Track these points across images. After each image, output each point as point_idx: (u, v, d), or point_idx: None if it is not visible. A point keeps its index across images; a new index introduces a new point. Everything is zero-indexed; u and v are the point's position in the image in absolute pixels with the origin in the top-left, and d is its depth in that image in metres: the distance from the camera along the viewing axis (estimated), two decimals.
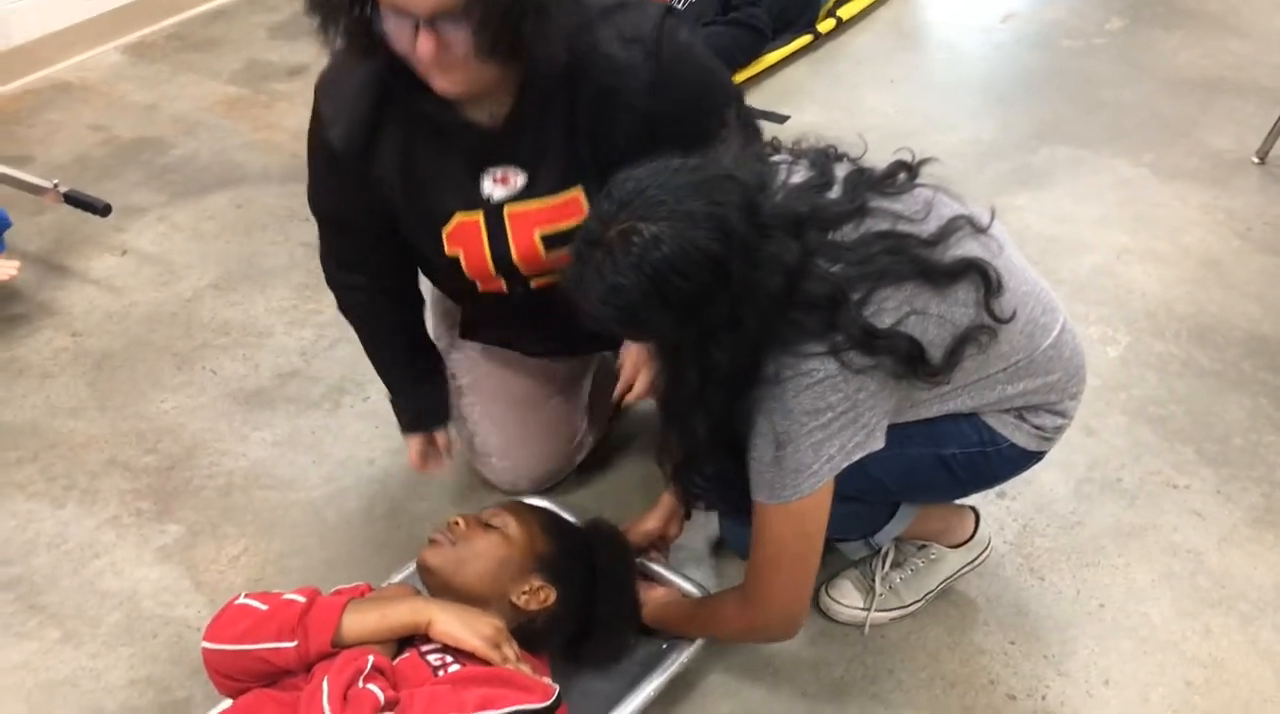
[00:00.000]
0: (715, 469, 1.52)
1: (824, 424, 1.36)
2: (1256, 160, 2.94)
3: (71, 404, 2.29)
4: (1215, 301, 2.46)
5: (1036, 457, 1.57)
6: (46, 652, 1.79)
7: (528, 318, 1.81)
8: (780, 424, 1.37)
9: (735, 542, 1.85)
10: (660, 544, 1.87)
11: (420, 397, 1.91)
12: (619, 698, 1.62)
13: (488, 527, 1.62)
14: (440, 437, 1.92)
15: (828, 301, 1.32)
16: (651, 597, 1.76)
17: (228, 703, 1.49)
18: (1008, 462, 1.54)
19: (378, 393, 2.30)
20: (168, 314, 2.54)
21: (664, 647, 1.71)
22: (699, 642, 1.70)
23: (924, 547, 1.78)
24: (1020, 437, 1.52)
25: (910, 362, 1.35)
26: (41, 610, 1.86)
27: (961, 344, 1.37)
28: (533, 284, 1.72)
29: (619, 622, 1.71)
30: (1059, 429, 1.56)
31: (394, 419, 1.92)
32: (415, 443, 1.90)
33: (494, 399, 1.98)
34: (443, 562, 1.57)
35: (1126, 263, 2.59)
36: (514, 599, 1.57)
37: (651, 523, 1.84)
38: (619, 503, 2.00)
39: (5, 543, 1.98)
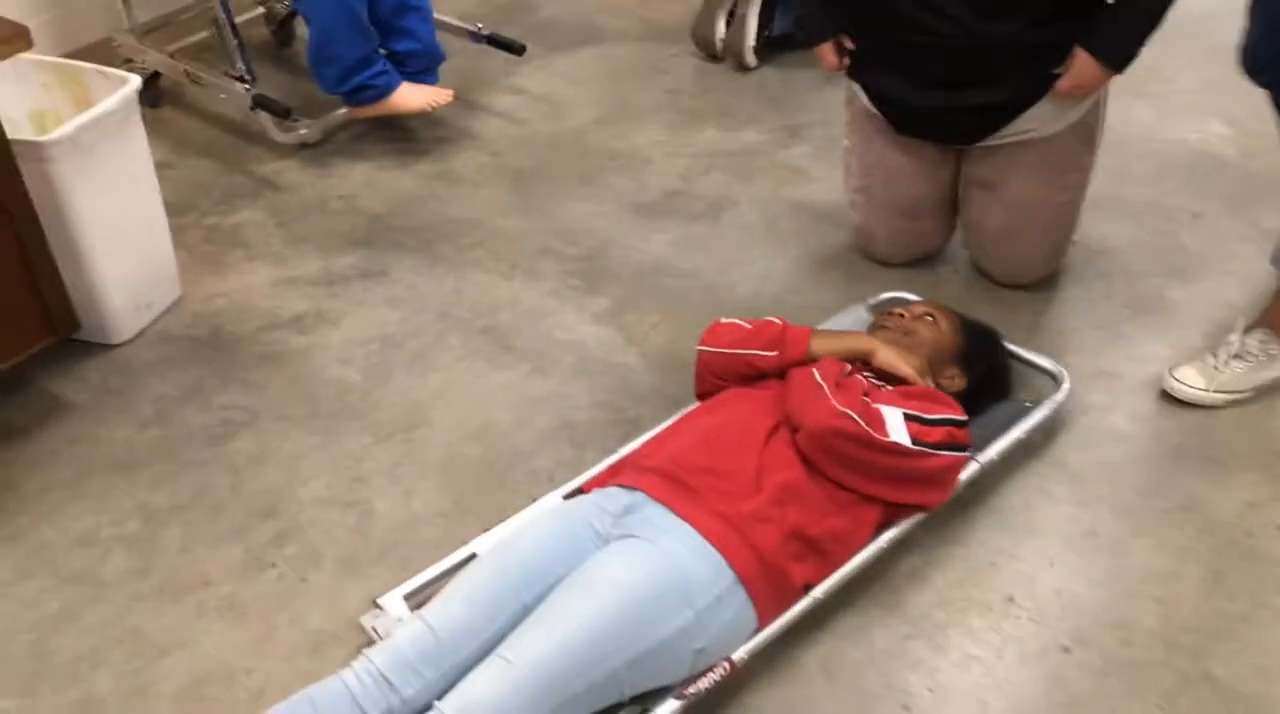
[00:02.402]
0: None
1: None
2: None
3: (502, 206, 2.75)
4: None
5: None
6: (524, 378, 2.25)
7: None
8: None
9: None
10: None
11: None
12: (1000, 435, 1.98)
13: (927, 319, 1.99)
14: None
15: None
16: None
17: (669, 420, 1.91)
18: None
19: (751, 211, 2.70)
20: (564, 142, 2.98)
21: (1027, 405, 2.05)
22: (1055, 400, 2.03)
23: (1266, 342, 2.06)
24: None
25: None
26: (513, 350, 2.32)
27: None
28: None
29: (993, 397, 2.06)
30: None
31: (768, 238, 2.32)
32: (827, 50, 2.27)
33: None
34: (898, 353, 1.91)
35: None
36: (939, 380, 1.93)
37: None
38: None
39: (475, 302, 2.45)
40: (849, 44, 2.24)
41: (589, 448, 2.06)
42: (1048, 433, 2.06)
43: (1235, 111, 2.93)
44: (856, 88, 2.31)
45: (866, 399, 1.74)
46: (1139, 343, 2.28)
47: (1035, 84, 2.11)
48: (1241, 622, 1.75)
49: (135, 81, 2.20)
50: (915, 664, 1.70)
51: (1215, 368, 2.10)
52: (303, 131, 2.92)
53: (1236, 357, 2.10)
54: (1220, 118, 2.95)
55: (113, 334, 2.32)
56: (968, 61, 2.09)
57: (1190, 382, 2.11)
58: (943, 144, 2.28)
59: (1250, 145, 2.84)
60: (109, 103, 2.14)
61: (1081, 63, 2.05)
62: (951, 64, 2.10)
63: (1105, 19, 2.05)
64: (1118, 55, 2.05)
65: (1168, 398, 2.13)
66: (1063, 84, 2.08)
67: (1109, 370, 2.21)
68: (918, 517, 1.82)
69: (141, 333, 2.36)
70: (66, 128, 2.06)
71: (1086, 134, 2.21)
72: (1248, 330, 2.12)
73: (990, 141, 2.20)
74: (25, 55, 1.99)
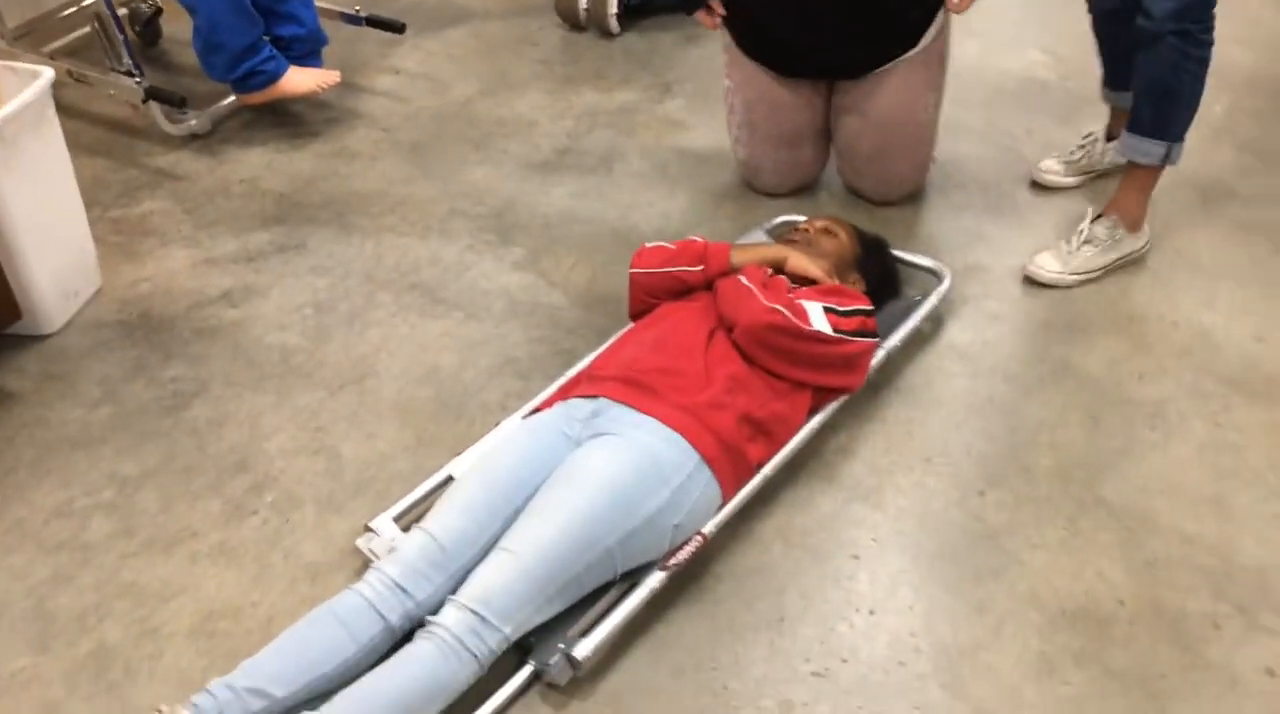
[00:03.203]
0: None
1: None
2: None
3: (403, 176, 2.86)
4: None
5: None
6: (459, 325, 2.38)
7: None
8: None
9: None
10: None
11: None
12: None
13: (827, 232, 2.21)
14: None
15: None
16: None
17: (608, 342, 2.09)
18: None
19: (640, 161, 2.88)
20: (451, 114, 3.11)
21: (916, 299, 2.30)
22: (939, 293, 2.29)
23: (1112, 228, 2.37)
24: None
25: None
26: (444, 302, 2.44)
27: None
28: None
29: (888, 296, 2.30)
30: None
31: (661, 182, 2.57)
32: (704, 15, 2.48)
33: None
34: (808, 257, 2.13)
35: None
36: (844, 283, 2.15)
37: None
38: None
39: (397, 263, 2.56)
40: (718, 7, 2.45)
41: (534, 378, 2.21)
42: (936, 322, 2.32)
43: (1050, 42, 3.28)
44: (733, 39, 2.53)
45: (790, 296, 1.95)
46: (1000, 240, 2.57)
47: (909, 21, 2.37)
48: (1120, 455, 2.03)
49: (48, 74, 2.23)
50: (857, 522, 1.92)
51: (1069, 253, 2.40)
52: (193, 122, 2.96)
53: (1087, 242, 2.40)
54: (1038, 47, 3.29)
55: (44, 324, 2.34)
56: (847, 3, 2.33)
57: (1048, 267, 2.40)
58: (821, 79, 2.51)
59: (1066, 70, 3.19)
60: (27, 94, 2.17)
61: None
62: (832, 6, 2.34)
63: None
64: None
65: (1031, 282, 2.42)
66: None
67: (978, 265, 2.49)
68: (841, 400, 2.04)
69: (70, 322, 2.39)
70: None
71: (939, 57, 2.48)
72: (1095, 219, 2.42)
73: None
74: None
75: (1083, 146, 2.69)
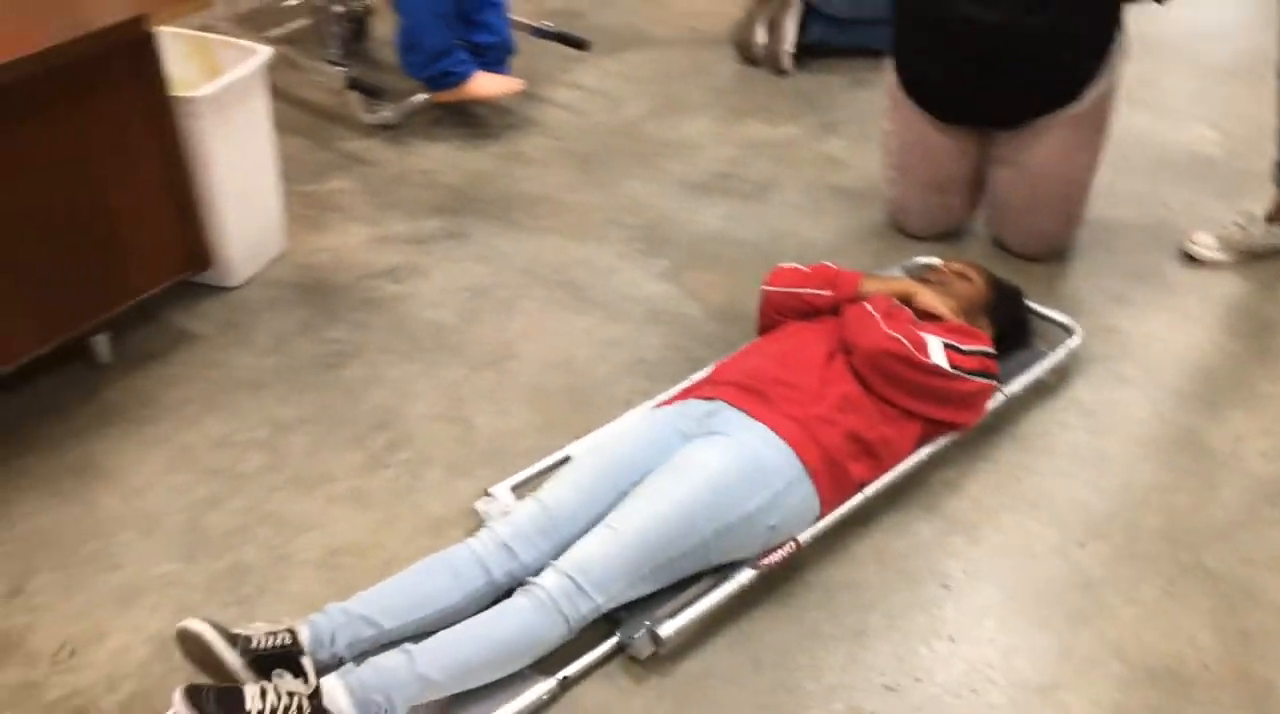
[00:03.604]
0: None
1: None
2: None
3: (568, 183, 3.02)
4: None
5: None
6: (600, 324, 2.51)
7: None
8: None
9: None
10: None
11: None
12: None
13: (962, 276, 2.26)
14: None
15: None
16: None
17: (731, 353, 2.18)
18: None
19: (794, 193, 2.98)
20: (621, 131, 3.27)
21: (1044, 351, 2.32)
22: (1068, 347, 2.31)
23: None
24: None
25: None
26: (589, 301, 2.58)
27: None
28: None
29: (1017, 346, 2.33)
30: None
31: (812, 214, 2.64)
32: None
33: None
34: (936, 295, 2.19)
35: None
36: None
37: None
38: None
39: (552, 261, 2.71)
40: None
41: (660, 380, 2.31)
42: (1063, 377, 2.34)
43: (1221, 119, 3.23)
44: (897, 81, 2.61)
45: (912, 327, 2.01)
46: (1141, 306, 2.56)
47: (1070, 77, 2.41)
48: (1232, 526, 2.01)
49: (265, 53, 2.47)
50: (953, 553, 1.96)
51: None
52: (386, 114, 3.20)
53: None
54: (1208, 123, 3.25)
55: (230, 277, 2.57)
56: (1010, 53, 2.38)
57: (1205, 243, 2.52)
58: (978, 128, 2.56)
59: (1235, 148, 3.14)
60: (244, 68, 2.41)
61: None
62: (994, 56, 2.39)
63: None
64: None
65: (1174, 320, 2.48)
66: None
67: (1115, 327, 2.49)
68: (953, 436, 2.08)
69: (252, 278, 2.62)
70: (212, 86, 2.33)
71: (1101, 117, 2.50)
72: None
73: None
74: (165, 27, 2.25)
75: (1240, 224, 2.65)
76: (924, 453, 2.05)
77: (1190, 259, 2.70)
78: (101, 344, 2.31)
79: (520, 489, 2.01)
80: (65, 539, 1.96)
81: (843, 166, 3.10)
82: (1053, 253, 2.69)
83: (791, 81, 3.55)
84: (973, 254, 2.72)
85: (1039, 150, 2.50)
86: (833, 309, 2.12)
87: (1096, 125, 2.51)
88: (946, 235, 2.78)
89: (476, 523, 1.97)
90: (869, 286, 2.13)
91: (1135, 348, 2.43)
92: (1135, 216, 2.87)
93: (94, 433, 2.17)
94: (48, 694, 1.70)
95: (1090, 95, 2.45)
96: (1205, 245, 2.68)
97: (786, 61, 3.54)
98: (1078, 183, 2.57)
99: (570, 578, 1.71)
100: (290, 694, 1.56)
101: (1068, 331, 2.38)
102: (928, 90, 2.55)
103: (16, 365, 2.11)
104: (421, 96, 3.23)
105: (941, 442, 2.07)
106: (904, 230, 2.78)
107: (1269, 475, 2.12)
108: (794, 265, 2.20)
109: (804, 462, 1.86)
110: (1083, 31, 2.37)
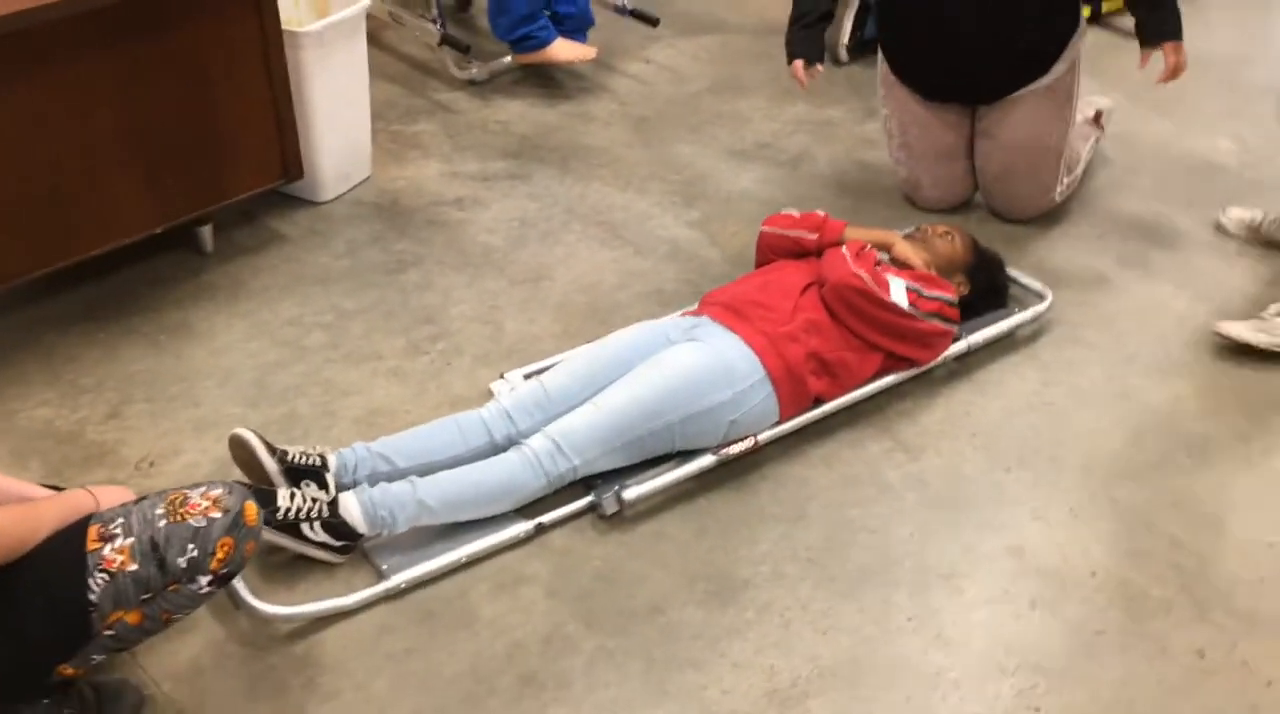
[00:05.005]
0: None
1: None
2: None
3: (624, 141, 3.34)
4: None
5: None
6: (628, 257, 2.83)
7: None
8: None
9: None
10: None
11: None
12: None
13: (945, 235, 2.52)
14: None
15: None
16: None
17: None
18: None
19: (825, 166, 3.25)
20: (681, 101, 3.57)
21: (1015, 311, 2.56)
22: (1036, 310, 2.54)
23: None
24: None
25: None
26: (621, 238, 2.90)
27: None
28: None
29: (992, 306, 2.57)
30: None
31: (835, 185, 2.89)
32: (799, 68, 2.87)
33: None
34: (912, 247, 2.45)
35: None
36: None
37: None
38: None
39: (595, 203, 3.03)
40: (819, 69, 2.88)
41: (671, 307, 2.61)
42: (1031, 338, 2.57)
43: (1241, 131, 3.39)
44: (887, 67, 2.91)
45: (878, 268, 2.27)
46: (1120, 286, 2.76)
47: (1042, 57, 2.70)
48: (1148, 468, 2.23)
49: (366, 2, 2.84)
50: (894, 466, 2.22)
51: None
52: (474, 71, 3.56)
53: None
54: (1227, 136, 3.41)
55: (319, 193, 2.95)
56: (987, 37, 2.68)
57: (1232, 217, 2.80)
58: (963, 103, 2.86)
59: (1250, 159, 3.30)
60: (347, 11, 2.79)
61: (1170, 50, 2.65)
62: (972, 39, 2.70)
63: (1152, 17, 2.67)
64: (1179, 29, 2.66)
65: (1146, 301, 2.69)
66: (1166, 75, 2.68)
67: (1090, 302, 2.70)
68: (914, 371, 2.34)
69: (338, 197, 3.00)
70: (316, 25, 2.71)
71: (1067, 91, 2.80)
72: None
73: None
74: None
75: (1265, 213, 2.87)
76: (885, 382, 2.31)
77: (1175, 251, 2.89)
78: (205, 235, 2.71)
79: (531, 377, 2.33)
80: (158, 381, 2.35)
81: (874, 147, 3.33)
82: (1032, 216, 2.94)
83: (845, 70, 3.81)
84: (974, 224, 2.95)
85: (1012, 121, 2.80)
86: (818, 252, 2.40)
87: (1065, 97, 2.80)
88: (959, 207, 3.02)
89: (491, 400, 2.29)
90: (851, 233, 2.40)
91: (1102, 320, 2.64)
92: (1137, 210, 3.06)
93: (191, 304, 2.57)
94: None
95: (1057, 69, 2.74)
96: (1231, 218, 2.91)
97: (842, 52, 3.79)
98: (1049, 150, 2.83)
99: (554, 441, 2.03)
100: (313, 500, 1.91)
101: (1040, 297, 2.60)
102: (917, 71, 2.84)
103: (136, 238, 2.51)
104: (507, 58, 3.58)
105: (902, 375, 2.33)
106: (919, 205, 3.02)
107: (1196, 432, 2.33)
108: (789, 211, 2.48)
109: (767, 369, 2.14)
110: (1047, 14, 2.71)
